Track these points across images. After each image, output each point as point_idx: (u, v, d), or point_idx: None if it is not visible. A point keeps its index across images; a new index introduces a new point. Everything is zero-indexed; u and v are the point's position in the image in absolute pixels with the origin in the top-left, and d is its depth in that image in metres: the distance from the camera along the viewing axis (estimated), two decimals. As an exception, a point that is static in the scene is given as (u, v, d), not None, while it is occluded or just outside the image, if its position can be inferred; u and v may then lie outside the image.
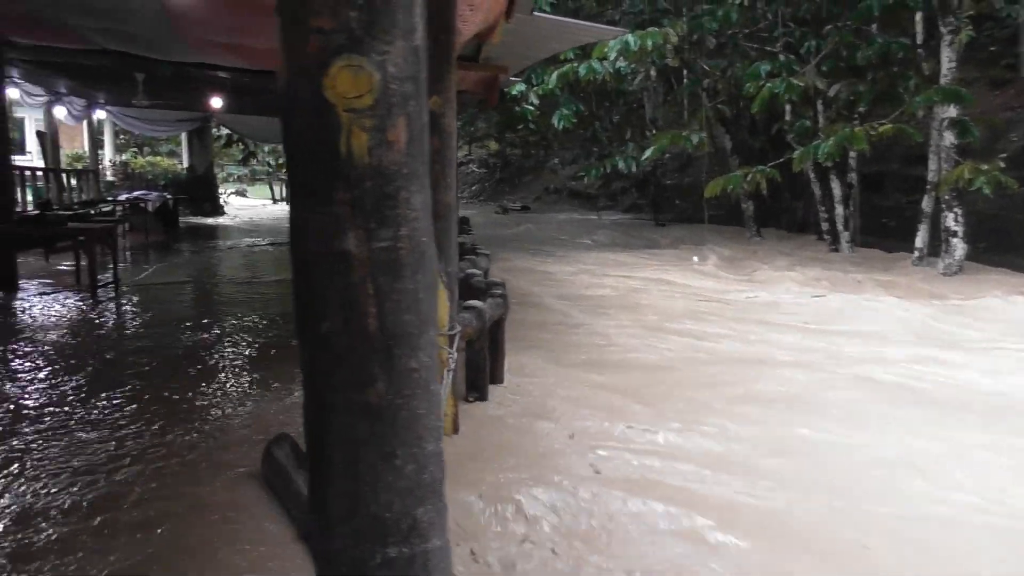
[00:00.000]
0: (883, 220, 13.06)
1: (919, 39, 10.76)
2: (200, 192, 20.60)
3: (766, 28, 12.13)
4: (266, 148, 26.87)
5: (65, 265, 9.96)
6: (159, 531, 2.81)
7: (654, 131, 15.67)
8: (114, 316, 6.85)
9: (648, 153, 11.33)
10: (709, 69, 12.20)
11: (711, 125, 13.22)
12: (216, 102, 11.30)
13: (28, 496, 3.07)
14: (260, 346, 5.78)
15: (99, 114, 16.48)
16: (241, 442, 3.74)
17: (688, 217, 21.33)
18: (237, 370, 5.09)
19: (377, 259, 1.23)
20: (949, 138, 9.66)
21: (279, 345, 5.75)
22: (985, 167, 8.57)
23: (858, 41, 10.45)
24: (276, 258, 12.18)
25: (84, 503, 3.01)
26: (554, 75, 11.79)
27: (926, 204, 10.58)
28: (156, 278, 9.35)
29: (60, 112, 14.49)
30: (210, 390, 4.59)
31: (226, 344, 5.81)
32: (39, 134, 14.38)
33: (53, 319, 6.60)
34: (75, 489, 3.13)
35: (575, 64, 11.68)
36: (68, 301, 7.47)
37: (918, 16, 10.70)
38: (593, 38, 8.54)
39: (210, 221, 19.71)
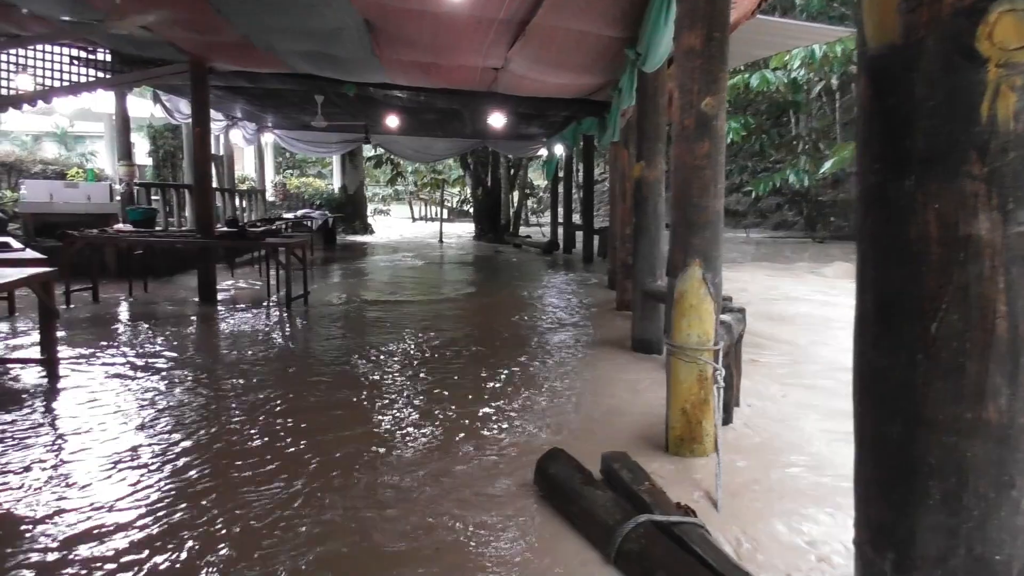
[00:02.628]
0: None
1: None
2: (351, 211, 21.38)
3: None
4: (409, 168, 27.64)
5: (244, 282, 10.45)
6: (448, 557, 2.71)
7: (807, 144, 14.84)
8: (320, 327, 7.02)
9: (828, 165, 10.75)
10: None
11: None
12: (392, 121, 11.62)
13: (298, 513, 3.06)
14: (477, 354, 5.73)
15: (266, 137, 17.37)
16: (498, 455, 3.63)
17: (845, 234, 20.25)
18: (467, 380, 5.03)
19: (1013, 247, 1.01)
20: None
21: (496, 354, 5.70)
22: None
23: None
24: (440, 273, 12.37)
25: (351, 534, 2.97)
26: (723, 87, 11.39)
27: None
28: (336, 292, 9.63)
29: (236, 136, 15.37)
30: (446, 401, 4.54)
31: (443, 353, 5.80)
32: (215, 158, 15.29)
33: (268, 329, 6.84)
34: (334, 515, 3.10)
35: (745, 75, 11.27)
36: (270, 313, 7.76)
37: None
38: (815, 40, 7.99)
39: (362, 239, 20.40)
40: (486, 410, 4.38)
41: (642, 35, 5.53)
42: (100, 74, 8.83)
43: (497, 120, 10.16)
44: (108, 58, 8.79)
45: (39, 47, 8.19)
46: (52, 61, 8.35)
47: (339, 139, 16.97)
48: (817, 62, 9.56)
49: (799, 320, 7.61)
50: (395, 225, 27.76)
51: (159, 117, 13.96)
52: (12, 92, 8.16)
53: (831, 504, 3.12)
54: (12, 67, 8.09)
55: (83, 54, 8.58)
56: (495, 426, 4.09)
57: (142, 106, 15.02)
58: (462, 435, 3.93)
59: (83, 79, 8.70)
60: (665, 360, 3.88)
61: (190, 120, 12.40)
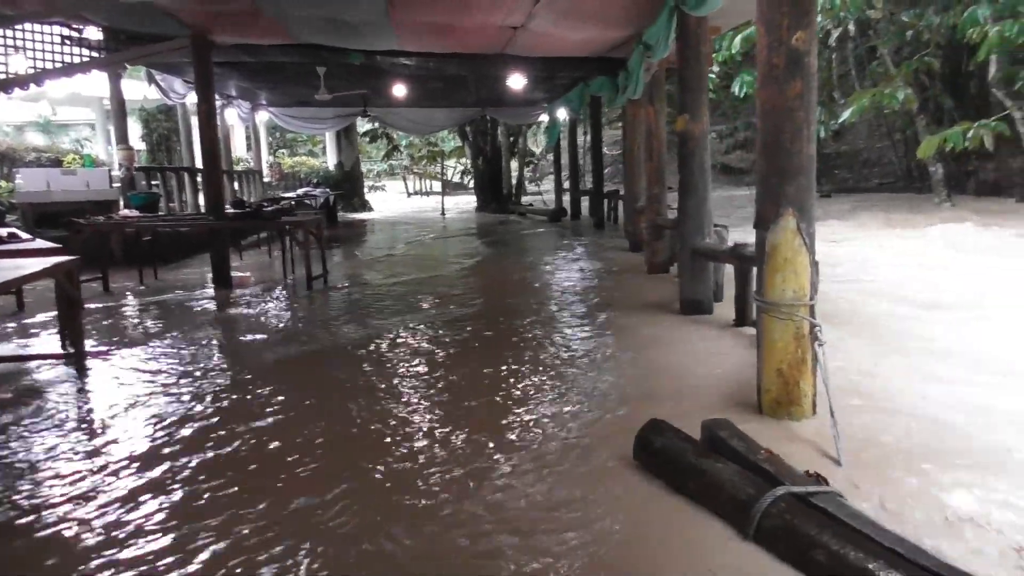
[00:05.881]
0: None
1: None
2: (349, 188, 20.99)
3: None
4: (404, 142, 27.14)
5: (255, 264, 10.14)
6: (585, 539, 2.49)
7: (822, 94, 14.44)
8: (346, 307, 6.74)
9: (846, 115, 10.44)
10: (909, 20, 11.12)
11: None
12: (398, 90, 11.23)
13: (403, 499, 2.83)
14: (519, 327, 5.48)
15: (259, 116, 16.91)
16: (580, 430, 3.41)
17: (850, 187, 19.97)
18: (518, 353, 4.78)
19: None
20: None
21: (539, 325, 5.46)
22: None
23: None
24: (453, 246, 12.10)
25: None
26: (737, 39, 11.05)
27: None
28: (353, 270, 9.36)
29: (231, 115, 14.93)
30: (503, 377, 4.31)
31: (484, 327, 5.56)
32: (212, 138, 14.88)
33: (295, 311, 6.58)
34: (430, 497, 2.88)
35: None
36: (291, 294, 7.48)
37: None
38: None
39: (362, 216, 20.05)
40: (547, 384, 4.16)
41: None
42: (94, 54, 8.42)
43: (516, 82, 9.78)
44: (101, 36, 8.37)
45: (28, 27, 7.76)
46: (43, 42, 7.93)
47: (335, 114, 16.54)
48: (836, 7, 9.22)
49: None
50: (392, 201, 27.34)
51: (152, 99, 13.55)
52: (6, 75, 7.76)
53: (961, 460, 2.91)
54: (3, 49, 7.67)
55: (74, 34, 8.16)
56: (563, 399, 3.87)
57: (134, 88, 14.54)
58: (535, 409, 3.71)
59: (76, 59, 8.29)
60: (756, 318, 3.65)
61: (185, 100, 12.01)
